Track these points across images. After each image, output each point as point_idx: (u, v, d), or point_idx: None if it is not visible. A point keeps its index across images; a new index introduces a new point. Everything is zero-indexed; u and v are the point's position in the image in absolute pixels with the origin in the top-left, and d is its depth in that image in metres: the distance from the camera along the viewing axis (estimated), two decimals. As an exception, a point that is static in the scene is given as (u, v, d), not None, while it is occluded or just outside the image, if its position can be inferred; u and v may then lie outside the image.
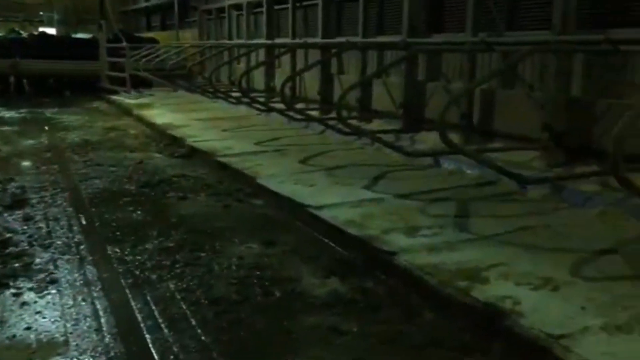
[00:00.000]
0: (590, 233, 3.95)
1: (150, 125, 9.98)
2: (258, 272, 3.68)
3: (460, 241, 3.84)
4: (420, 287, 3.33)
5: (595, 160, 5.01)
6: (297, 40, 10.52)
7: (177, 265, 3.81)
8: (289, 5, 10.86)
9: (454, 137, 6.22)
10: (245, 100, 8.83)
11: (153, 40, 16.85)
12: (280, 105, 7.95)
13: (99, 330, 2.96)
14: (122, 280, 3.58)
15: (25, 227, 4.56)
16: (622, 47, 4.63)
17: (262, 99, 9.72)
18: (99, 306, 3.22)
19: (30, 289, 3.42)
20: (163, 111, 11.38)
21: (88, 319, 3.07)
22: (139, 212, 5.04)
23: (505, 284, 3.15)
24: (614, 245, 3.69)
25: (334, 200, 4.84)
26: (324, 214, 4.49)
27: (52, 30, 23.83)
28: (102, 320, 3.06)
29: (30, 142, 8.73)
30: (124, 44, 14.75)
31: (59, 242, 4.25)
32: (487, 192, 5.07)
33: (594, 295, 2.98)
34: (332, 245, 4.18)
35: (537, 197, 4.77)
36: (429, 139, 6.64)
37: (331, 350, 2.77)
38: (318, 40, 9.55)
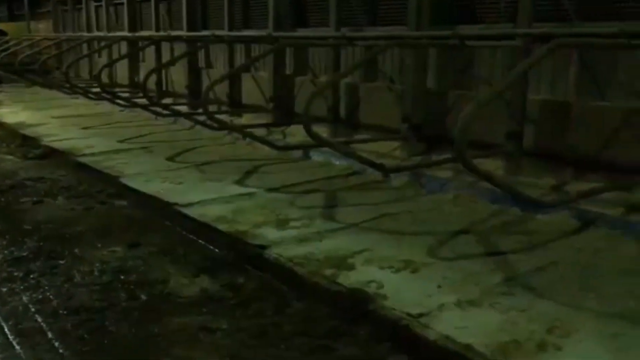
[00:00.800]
0: (445, 216, 4.24)
1: None
2: (122, 276, 3.51)
3: (328, 230, 3.94)
4: (290, 279, 3.38)
5: (450, 148, 5.36)
6: (161, 33, 10.14)
7: (32, 276, 3.53)
8: (152, -4, 10.45)
9: (323, 130, 6.40)
10: (107, 96, 8.35)
11: None
12: (146, 101, 7.61)
13: (-64, 355, 2.65)
14: (-35, 297, 3.25)
15: None
16: (468, 42, 5.00)
17: (126, 95, 9.26)
18: None
19: None
20: (15, 109, 10.45)
21: None
22: (-14, 221, 4.60)
23: (369, 269, 3.28)
24: (466, 226, 3.99)
25: (204, 196, 4.75)
26: (193, 212, 4.39)
27: None
28: (-60, 344, 2.75)
29: None
30: (-35, 35, 13.30)
31: None
32: (354, 182, 5.25)
33: (449, 274, 3.20)
34: (202, 243, 4.10)
35: (399, 185, 5.03)
36: (299, 132, 6.71)
37: (200, 349, 2.72)
38: (183, 33, 9.28)
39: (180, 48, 9.73)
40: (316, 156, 6.08)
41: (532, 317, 2.71)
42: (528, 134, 4.84)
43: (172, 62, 8.71)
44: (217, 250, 3.96)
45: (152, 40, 9.34)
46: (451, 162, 4.66)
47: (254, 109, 8.01)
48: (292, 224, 4.09)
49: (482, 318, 2.73)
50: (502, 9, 5.21)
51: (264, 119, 7.60)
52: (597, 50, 4.44)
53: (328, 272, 3.24)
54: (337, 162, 5.80)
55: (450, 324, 2.66)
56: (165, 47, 10.24)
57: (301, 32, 7.35)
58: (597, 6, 4.47)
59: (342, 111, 6.71)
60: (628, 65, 4.26)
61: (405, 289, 3.03)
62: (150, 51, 10.38)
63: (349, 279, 3.14)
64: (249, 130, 6.27)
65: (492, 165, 4.79)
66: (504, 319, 2.71)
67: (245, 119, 7.99)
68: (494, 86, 4.49)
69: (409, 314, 2.75)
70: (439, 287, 3.04)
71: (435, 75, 5.73)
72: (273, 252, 3.58)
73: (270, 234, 3.89)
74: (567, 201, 4.03)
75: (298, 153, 6.25)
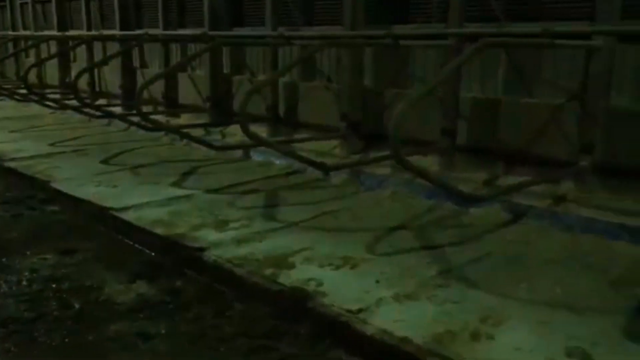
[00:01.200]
0: (383, 212, 4.31)
1: None
2: (54, 285, 3.38)
3: (268, 230, 3.93)
4: (230, 280, 3.35)
5: (387, 145, 5.45)
6: (92, 32, 9.81)
7: (-46, 288, 3.34)
8: (82, -6, 10.09)
9: (263, 130, 6.38)
10: (35, 97, 7.99)
11: None
12: (77, 102, 7.33)
13: None
14: None
15: None
16: (403, 42, 5.11)
17: (56, 96, 8.91)
18: None
19: None
20: None
21: None
22: None
23: (309, 267, 3.30)
24: (403, 221, 4.07)
25: (140, 200, 4.63)
26: (129, 216, 4.27)
27: None
28: None
29: None
30: None
31: None
32: (294, 181, 5.25)
33: (387, 269, 3.25)
34: (139, 247, 4.00)
35: (339, 183, 5.07)
36: (239, 132, 6.62)
37: (138, 355, 2.66)
38: (116, 32, 9.02)
39: (113, 47, 9.45)
40: (256, 156, 6.05)
41: (466, 308, 2.80)
42: (461, 131, 4.99)
43: (105, 61, 8.46)
44: (154, 254, 3.88)
45: (82, 40, 9.02)
46: (389, 160, 4.73)
47: (192, 108, 7.88)
48: (232, 225, 4.05)
49: (418, 311, 2.79)
50: (435, 9, 5.35)
51: (202, 119, 7.48)
52: (524, 49, 4.63)
53: (268, 271, 3.24)
54: (278, 162, 5.79)
55: (388, 318, 2.71)
56: (97, 46, 9.92)
57: (237, 31, 7.29)
58: (523, 7, 4.65)
59: (282, 110, 6.70)
60: (551, 64, 4.46)
61: (344, 285, 3.06)
62: (82, 50, 10.02)
63: (289, 278, 3.14)
64: (185, 130, 6.15)
65: (428, 161, 4.91)
66: (440, 310, 2.78)
67: (183, 119, 7.85)
68: (426, 84, 4.60)
69: (348, 310, 2.78)
70: (377, 282, 3.09)
71: (371, 74, 5.80)
72: (212, 254, 3.54)
73: (209, 235, 3.84)
74: (498, 195, 4.18)
75: (238, 153, 6.19)
